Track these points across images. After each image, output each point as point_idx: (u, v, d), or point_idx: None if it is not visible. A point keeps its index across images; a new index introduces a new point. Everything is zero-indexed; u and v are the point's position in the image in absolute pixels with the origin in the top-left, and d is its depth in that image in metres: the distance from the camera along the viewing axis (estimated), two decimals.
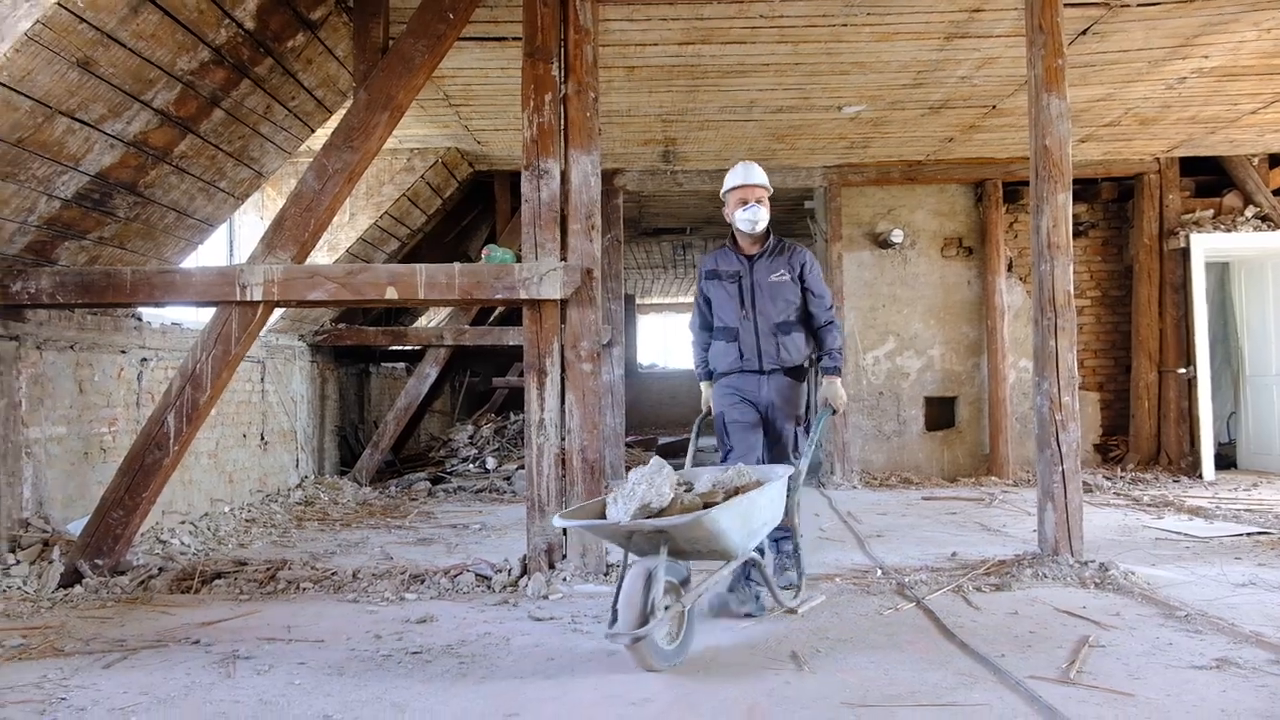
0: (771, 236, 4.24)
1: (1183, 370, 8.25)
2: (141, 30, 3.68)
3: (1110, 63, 5.90)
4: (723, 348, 4.21)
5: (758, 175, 4.18)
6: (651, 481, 3.15)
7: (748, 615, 3.61)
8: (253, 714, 2.65)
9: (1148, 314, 8.43)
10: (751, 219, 4.11)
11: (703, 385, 4.37)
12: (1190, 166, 8.58)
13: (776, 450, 4.12)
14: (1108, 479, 7.71)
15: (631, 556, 3.19)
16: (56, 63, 3.46)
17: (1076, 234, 8.75)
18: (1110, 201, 8.87)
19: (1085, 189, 8.70)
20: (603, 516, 3.22)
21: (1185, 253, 8.26)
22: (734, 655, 3.14)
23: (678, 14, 4.99)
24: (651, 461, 3.27)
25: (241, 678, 2.97)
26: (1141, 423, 8.43)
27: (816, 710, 2.59)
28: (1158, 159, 8.42)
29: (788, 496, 3.68)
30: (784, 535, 4.05)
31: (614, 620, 2.97)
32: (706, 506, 3.16)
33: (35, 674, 2.99)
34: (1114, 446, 8.66)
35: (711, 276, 4.25)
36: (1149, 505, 6.49)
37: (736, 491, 3.35)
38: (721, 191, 4.27)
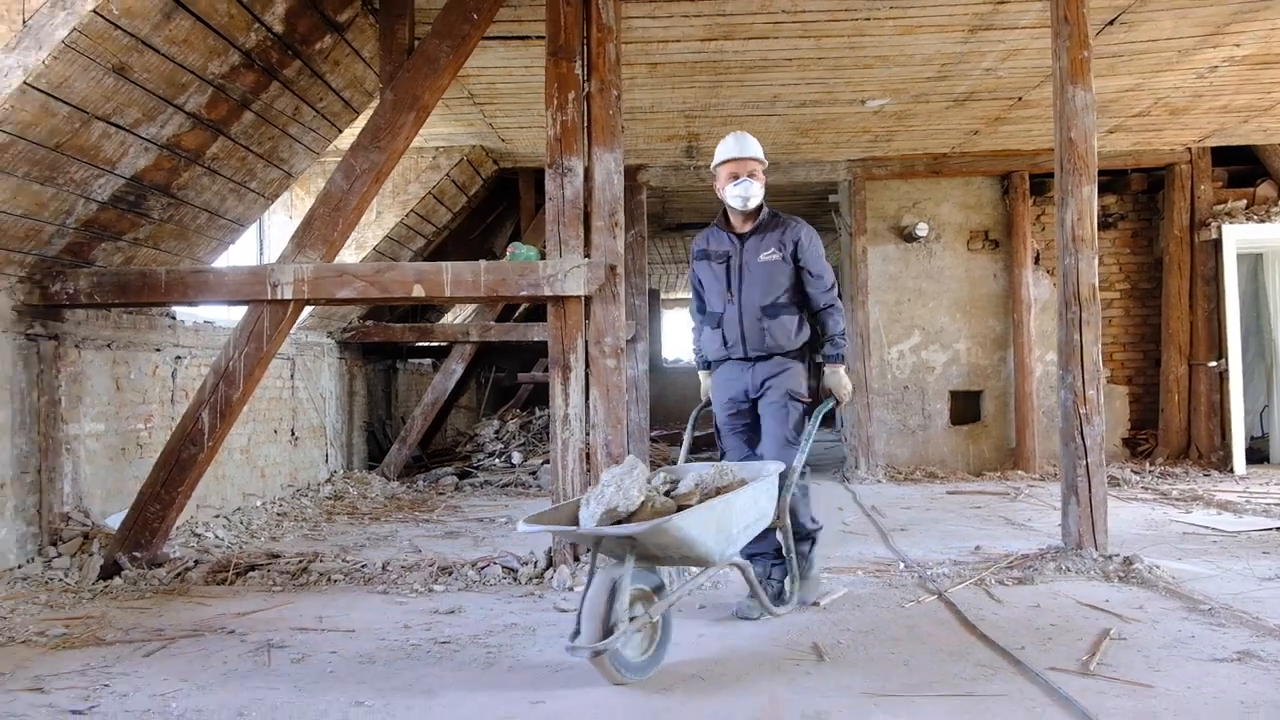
0: (765, 211, 3.88)
1: (1214, 363, 8.15)
2: (174, 35, 3.78)
3: (1139, 52, 5.84)
4: (709, 334, 3.95)
5: (751, 147, 3.85)
6: (620, 484, 2.93)
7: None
8: (288, 700, 2.73)
9: (1178, 306, 8.33)
10: (743, 195, 3.78)
11: (701, 375, 4.14)
12: (1222, 156, 8.46)
13: (771, 441, 3.76)
14: (1136, 473, 7.65)
15: (602, 560, 2.99)
16: (93, 69, 3.56)
17: (1106, 226, 8.67)
18: (1140, 193, 8.77)
19: (1114, 180, 8.61)
20: (577, 520, 3.02)
21: (1217, 244, 8.15)
22: (755, 645, 3.18)
23: (700, 10, 5.01)
24: (625, 460, 3.08)
25: (277, 666, 3.06)
26: (1171, 416, 8.34)
27: (836, 699, 2.62)
28: (1189, 149, 8.32)
29: (779, 495, 3.46)
30: (801, 536, 3.79)
31: (576, 632, 2.84)
32: (681, 510, 2.95)
33: (79, 662, 3.10)
34: (1143, 440, 8.57)
35: (701, 257, 3.97)
36: (1177, 499, 6.43)
37: (718, 493, 3.13)
38: (711, 165, 3.97)
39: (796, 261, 3.81)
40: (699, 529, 2.86)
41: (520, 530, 2.91)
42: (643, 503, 2.93)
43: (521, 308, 10.07)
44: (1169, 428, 8.35)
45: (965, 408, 8.65)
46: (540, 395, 10.48)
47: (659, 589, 3.04)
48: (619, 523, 2.86)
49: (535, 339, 8.24)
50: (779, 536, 3.62)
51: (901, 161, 8.44)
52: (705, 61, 5.81)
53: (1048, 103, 6.66)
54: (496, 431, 9.25)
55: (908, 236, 8.60)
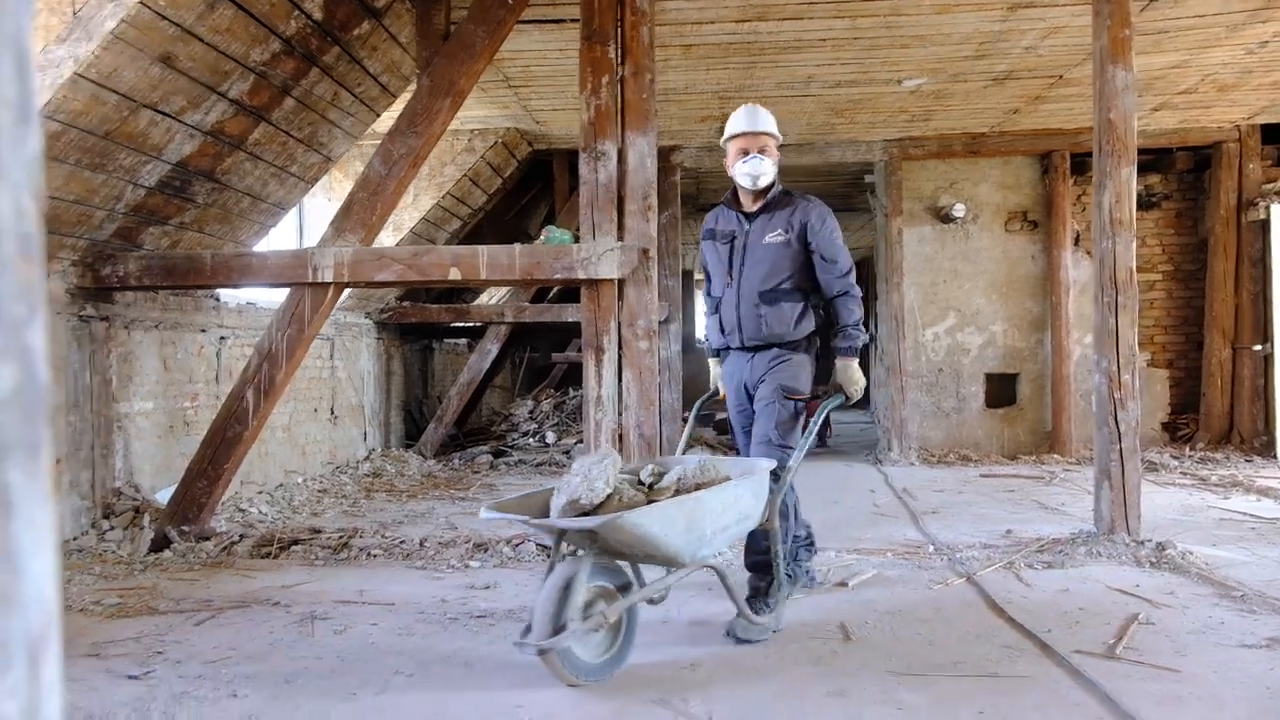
0: (776, 189, 3.60)
1: (1259, 347, 8.00)
2: (218, 25, 3.87)
3: (1185, 29, 5.72)
4: (710, 321, 3.73)
5: (764, 121, 3.58)
6: (587, 474, 2.76)
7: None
8: (332, 668, 2.84)
9: (1223, 288, 8.17)
10: (753, 173, 3.52)
11: (711, 363, 3.90)
12: (1272, 134, 8.25)
13: (755, 442, 3.47)
14: (1175, 458, 7.55)
15: (566, 552, 2.87)
16: (140, 59, 3.66)
17: (1149, 206, 8.52)
18: (1185, 172, 8.58)
19: (1159, 159, 8.44)
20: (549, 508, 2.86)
21: (1265, 224, 7.96)
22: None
23: None
24: (600, 448, 2.93)
25: (320, 636, 3.18)
26: (1213, 401, 8.21)
27: (861, 679, 2.67)
28: (1237, 126, 8.12)
29: (771, 494, 3.17)
30: (800, 542, 3.59)
31: (528, 628, 2.67)
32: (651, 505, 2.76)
33: (133, 630, 3.25)
34: (1183, 425, 8.45)
35: (708, 237, 3.72)
36: (1216, 485, 6.36)
37: (697, 489, 2.92)
38: (721, 139, 3.71)
39: (806, 244, 3.50)
40: (661, 526, 2.66)
41: (482, 517, 2.77)
42: (609, 495, 2.75)
43: (556, 288, 10.15)
44: (1210, 412, 8.22)
45: (1000, 390, 8.59)
46: (574, 375, 10.58)
47: (625, 587, 2.83)
48: (584, 515, 2.69)
49: (569, 319, 8.31)
50: (767, 540, 3.30)
51: (939, 141, 8.35)
52: (739, 43, 5.79)
53: (1089, 80, 6.54)
54: (531, 411, 9.37)
55: (944, 217, 8.51)
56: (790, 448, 3.38)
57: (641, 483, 3.05)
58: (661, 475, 3.08)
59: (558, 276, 4.42)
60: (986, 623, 3.22)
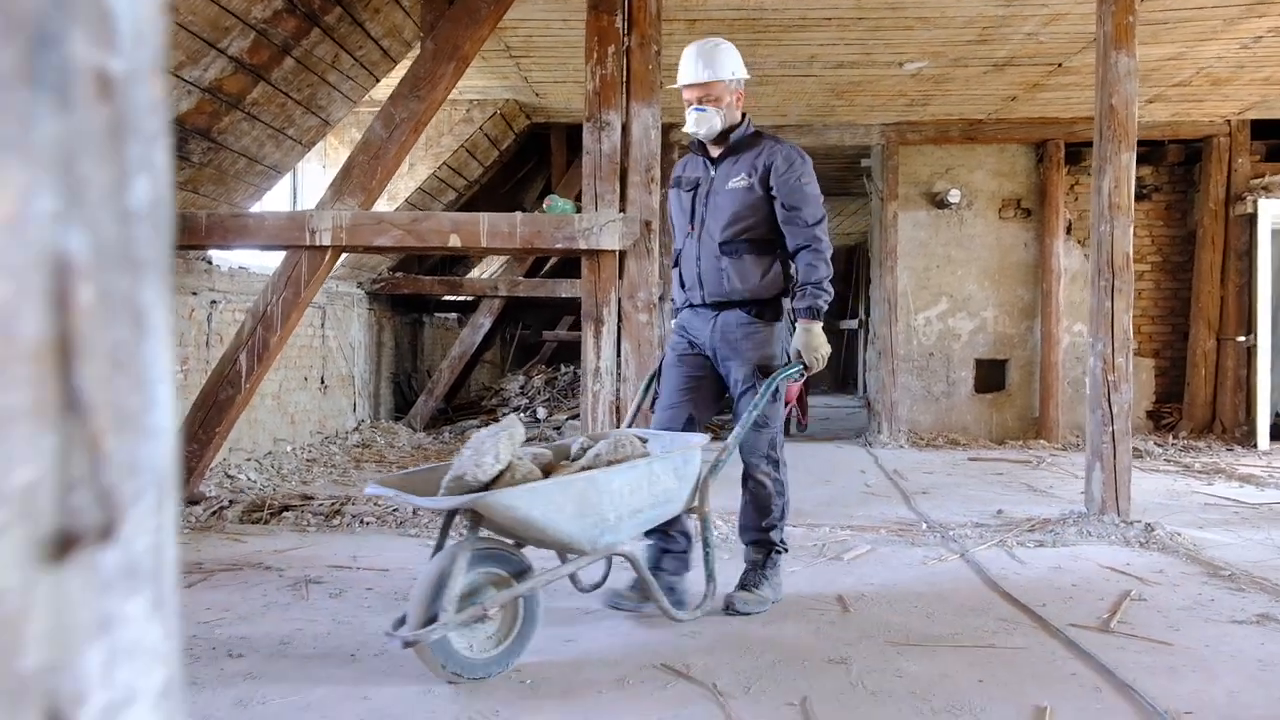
0: (743, 130, 3.21)
1: (1242, 338, 8.09)
2: None
3: (1183, 20, 5.73)
4: (672, 276, 3.41)
5: (710, 68, 3.13)
6: (478, 448, 2.48)
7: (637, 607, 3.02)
8: (328, 630, 2.83)
9: (1209, 280, 8.25)
10: (697, 126, 3.17)
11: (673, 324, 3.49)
12: (1261, 130, 8.32)
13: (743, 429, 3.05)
14: (1159, 445, 7.64)
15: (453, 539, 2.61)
16: None
17: (1140, 197, 8.56)
18: (1176, 165, 8.65)
19: (1151, 151, 8.48)
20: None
21: (1252, 218, 8.04)
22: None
23: None
24: (504, 419, 2.62)
25: (315, 599, 3.16)
26: (1197, 390, 8.30)
27: (861, 647, 2.69)
28: (1228, 121, 8.18)
29: (709, 474, 2.89)
30: (761, 541, 3.21)
31: (402, 619, 2.41)
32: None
33: None
34: (1167, 414, 8.55)
35: (674, 185, 3.38)
36: (1200, 472, 6.44)
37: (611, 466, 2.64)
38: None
39: (769, 188, 3.12)
40: (540, 508, 2.39)
41: (367, 492, 2.58)
42: (501, 472, 2.45)
43: (549, 263, 10.12)
44: (1194, 401, 8.31)
45: (990, 376, 8.65)
46: (564, 352, 10.57)
47: (522, 574, 2.51)
48: (468, 493, 2.42)
49: (563, 295, 8.29)
50: (691, 525, 3.09)
51: (936, 127, 8.35)
52: (744, 19, 5.76)
53: (1088, 69, 6.56)
54: (522, 387, 9.35)
55: (939, 203, 8.53)
56: (771, 428, 3.11)
57: (570, 458, 2.84)
58: (586, 450, 2.81)
59: (559, 246, 4.39)
60: (982, 597, 3.25)
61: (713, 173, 3.23)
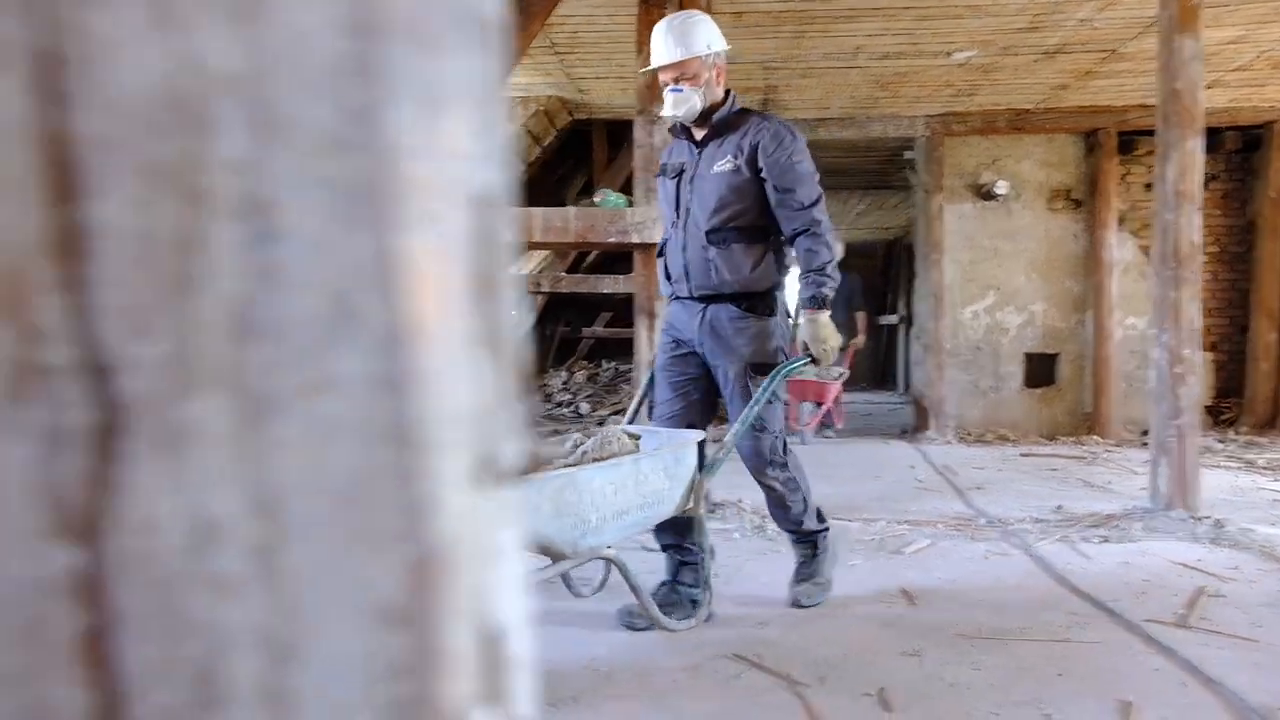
0: (728, 109, 2.93)
1: None
2: None
3: (1245, 2, 5.59)
4: (657, 267, 3.20)
5: (679, 46, 2.85)
6: None
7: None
8: None
9: (1270, 271, 8.04)
10: (674, 108, 2.90)
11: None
12: None
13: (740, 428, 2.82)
14: (1219, 441, 7.46)
15: None
16: None
17: None
18: (1234, 153, 8.44)
19: (1209, 139, 8.24)
20: None
21: None
22: (843, 589, 3.21)
23: None
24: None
25: None
26: (1258, 385, 8.09)
27: (933, 640, 2.65)
28: None
29: (704, 475, 2.73)
30: (799, 538, 3.08)
31: None
32: None
33: None
34: (1226, 409, 8.35)
35: (661, 174, 3.13)
36: (1264, 468, 6.27)
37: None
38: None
39: (757, 170, 2.85)
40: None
41: None
42: None
43: (589, 259, 10.14)
44: (1255, 396, 8.11)
45: (1040, 370, 8.50)
46: (602, 348, 10.57)
47: None
48: None
49: (605, 290, 8.30)
50: (709, 540, 2.90)
51: (982, 117, 8.22)
52: (791, 11, 5.71)
53: (1143, 55, 6.42)
54: (564, 383, 9.38)
55: (986, 195, 8.40)
56: (770, 431, 2.90)
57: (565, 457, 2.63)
58: (578, 446, 2.63)
59: (612, 240, 4.39)
60: (1050, 592, 3.19)
61: (697, 156, 2.96)
